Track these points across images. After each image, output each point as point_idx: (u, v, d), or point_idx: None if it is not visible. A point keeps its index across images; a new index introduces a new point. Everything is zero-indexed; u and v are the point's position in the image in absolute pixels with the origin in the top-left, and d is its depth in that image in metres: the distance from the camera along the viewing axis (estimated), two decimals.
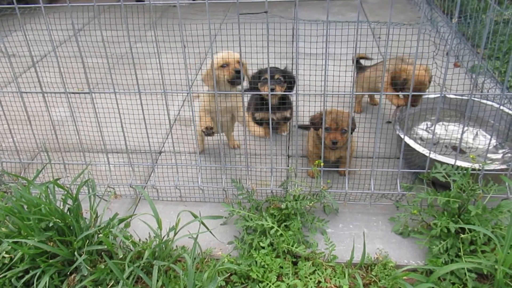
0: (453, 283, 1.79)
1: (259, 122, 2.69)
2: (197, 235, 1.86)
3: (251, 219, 2.02)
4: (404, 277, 1.77)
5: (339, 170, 2.46)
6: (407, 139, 2.19)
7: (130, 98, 2.15)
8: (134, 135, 2.42)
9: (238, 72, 2.13)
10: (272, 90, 2.45)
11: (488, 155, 2.40)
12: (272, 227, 1.94)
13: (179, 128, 3.02)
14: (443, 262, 1.84)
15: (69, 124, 3.04)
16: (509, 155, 2.36)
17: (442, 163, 2.03)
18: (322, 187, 2.10)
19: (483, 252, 1.84)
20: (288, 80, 2.55)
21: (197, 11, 4.91)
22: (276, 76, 2.48)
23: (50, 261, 1.77)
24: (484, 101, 2.55)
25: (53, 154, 2.66)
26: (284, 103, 2.66)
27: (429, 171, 2.05)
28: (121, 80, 2.63)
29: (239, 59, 2.15)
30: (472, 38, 3.89)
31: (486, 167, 1.99)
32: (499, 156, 2.39)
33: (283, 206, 2.02)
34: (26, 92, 2.11)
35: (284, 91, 2.53)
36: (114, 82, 2.03)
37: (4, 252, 1.82)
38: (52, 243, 1.85)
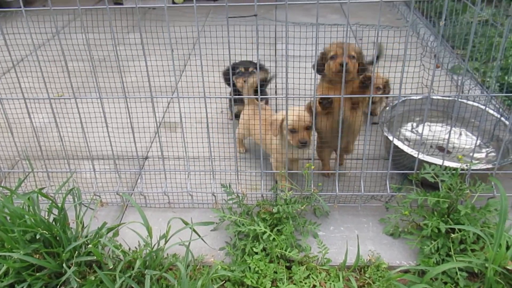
0: (445, 283, 1.81)
1: (237, 115, 2.75)
2: (189, 243, 1.83)
3: (243, 224, 1.99)
4: (398, 278, 1.78)
5: (324, 172, 2.46)
6: (396, 141, 2.21)
7: (113, 102, 2.10)
8: (120, 140, 2.37)
9: (304, 143, 2.11)
10: (245, 81, 2.53)
11: (471, 154, 2.45)
12: (265, 232, 1.92)
13: (165, 133, 2.97)
14: (435, 262, 1.86)
15: (50, 131, 2.95)
16: (493, 154, 2.41)
17: (430, 163, 2.06)
18: (312, 190, 2.09)
19: (472, 250, 1.87)
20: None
21: (178, 13, 4.86)
22: (250, 69, 2.62)
23: (37, 274, 1.70)
24: (470, 102, 2.60)
25: (35, 162, 2.57)
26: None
27: (418, 171, 2.08)
28: (104, 84, 2.57)
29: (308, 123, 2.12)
30: (451, 39, 3.97)
31: (474, 167, 2.02)
32: (483, 155, 2.44)
33: (274, 210, 2.01)
34: (8, 99, 2.03)
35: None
36: (96, 86, 1.98)
37: None
38: (38, 255, 1.78)
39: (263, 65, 2.68)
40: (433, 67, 1.84)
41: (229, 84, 2.69)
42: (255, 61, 2.68)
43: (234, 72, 2.62)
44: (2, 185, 2.23)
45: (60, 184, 2.31)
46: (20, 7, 1.84)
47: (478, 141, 2.52)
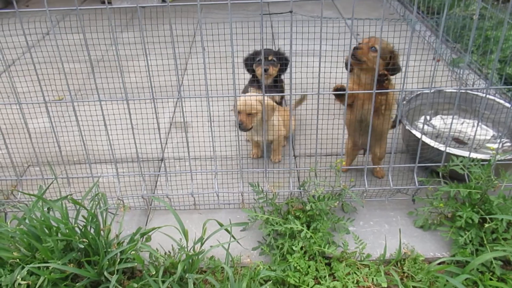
0: (481, 272, 1.84)
1: None
2: (229, 245, 1.80)
3: (277, 223, 1.97)
4: (438, 270, 1.80)
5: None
6: (420, 135, 2.22)
7: (131, 104, 2.03)
8: (131, 142, 2.30)
9: (239, 125, 2.30)
10: (265, 70, 2.59)
11: (488, 144, 2.51)
12: (302, 230, 1.91)
13: (176, 133, 2.92)
14: (470, 252, 1.89)
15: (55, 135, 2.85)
16: (508, 144, 2.47)
17: (458, 156, 2.09)
18: (343, 186, 2.09)
19: (504, 239, 1.91)
20: (282, 62, 2.66)
21: (171, 11, 4.77)
22: (270, 57, 2.61)
23: (77, 284, 1.64)
24: (492, 97, 2.65)
25: (46, 168, 2.47)
26: (276, 85, 2.73)
27: (445, 164, 2.11)
28: (108, 85, 2.47)
29: (253, 107, 2.28)
30: (446, 33, 4.04)
31: (502, 157, 2.07)
32: (494, 145, 2.49)
33: (307, 207, 2.00)
34: (27, 103, 1.94)
35: (278, 72, 2.67)
36: (124, 87, 1.91)
37: (20, 278, 1.67)
38: (72, 264, 1.71)
39: (283, 53, 2.68)
40: (465, 62, 1.86)
41: (249, 71, 2.71)
42: (275, 50, 2.69)
43: (254, 61, 2.63)
44: (24, 192, 2.13)
45: (79, 189, 2.25)
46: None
47: (493, 132, 2.58)
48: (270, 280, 1.77)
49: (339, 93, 1.99)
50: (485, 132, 2.60)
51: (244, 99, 2.29)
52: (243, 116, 2.29)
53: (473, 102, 2.68)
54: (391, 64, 2.01)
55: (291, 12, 1.72)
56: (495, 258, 1.84)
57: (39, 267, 1.64)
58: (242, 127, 2.30)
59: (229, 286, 1.61)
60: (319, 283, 1.78)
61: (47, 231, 1.74)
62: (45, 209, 1.86)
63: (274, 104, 2.39)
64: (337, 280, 1.78)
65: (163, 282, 1.66)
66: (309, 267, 1.82)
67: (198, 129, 2.86)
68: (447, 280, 1.71)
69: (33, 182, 2.34)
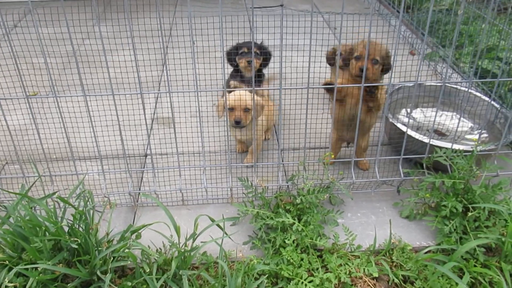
0: (465, 259, 1.91)
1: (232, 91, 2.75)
2: (222, 240, 1.79)
3: (267, 217, 1.98)
4: (427, 259, 1.86)
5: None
6: (405, 128, 2.28)
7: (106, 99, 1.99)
8: (116, 139, 2.25)
9: (238, 122, 2.25)
10: (249, 62, 2.63)
11: (468, 136, 2.60)
12: (293, 223, 1.92)
13: (159, 129, 2.87)
14: (454, 240, 1.95)
15: (32, 132, 2.74)
16: (485, 135, 2.56)
17: (440, 147, 2.15)
18: (331, 179, 2.12)
19: (486, 227, 1.98)
20: (264, 56, 2.68)
21: (144, 3, 4.66)
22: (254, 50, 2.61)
23: (68, 285, 1.59)
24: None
25: (26, 165, 2.38)
26: (257, 80, 2.75)
27: (429, 155, 2.16)
28: (91, 80, 2.41)
29: (247, 103, 2.24)
30: (422, 26, 4.14)
31: (484, 148, 2.14)
32: (476, 136, 2.58)
33: (298, 200, 2.01)
34: (6, 99, 1.86)
35: (260, 65, 2.70)
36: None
37: (7, 280, 1.61)
38: (61, 264, 1.67)
39: (266, 46, 2.68)
40: (450, 56, 1.91)
41: (232, 64, 2.72)
42: (258, 42, 2.70)
43: (237, 54, 2.63)
44: (7, 190, 2.04)
45: (62, 187, 2.18)
46: None
47: (471, 124, 2.67)
48: (264, 274, 1.77)
49: (330, 87, 2.01)
50: (465, 124, 2.68)
51: (239, 95, 2.25)
52: (240, 112, 2.24)
53: (452, 95, 2.77)
54: (386, 64, 2.05)
55: (281, 6, 1.72)
56: (478, 245, 1.92)
57: (27, 268, 1.58)
58: (240, 123, 2.24)
59: (226, 281, 1.60)
60: (312, 275, 1.80)
61: (33, 230, 1.68)
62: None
63: (263, 101, 2.37)
64: (330, 272, 1.80)
65: (157, 279, 1.64)
66: (301, 259, 1.84)
67: (186, 124, 2.82)
68: (435, 268, 1.76)
69: (13, 181, 2.26)
